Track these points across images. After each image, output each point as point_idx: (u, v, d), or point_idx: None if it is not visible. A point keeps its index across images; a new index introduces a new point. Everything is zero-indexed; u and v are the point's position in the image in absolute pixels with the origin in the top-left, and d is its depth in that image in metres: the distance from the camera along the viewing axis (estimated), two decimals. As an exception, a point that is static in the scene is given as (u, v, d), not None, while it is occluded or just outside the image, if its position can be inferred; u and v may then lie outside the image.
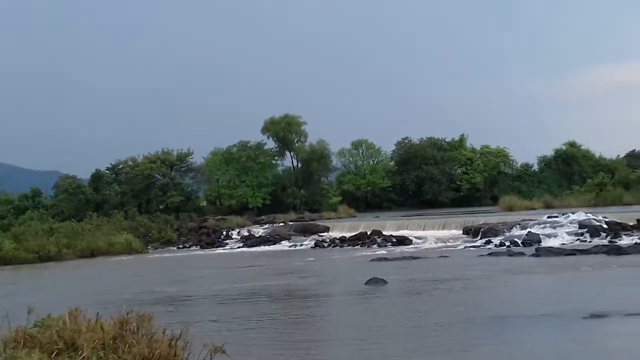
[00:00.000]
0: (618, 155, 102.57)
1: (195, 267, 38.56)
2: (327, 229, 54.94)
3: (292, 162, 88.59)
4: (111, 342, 10.43)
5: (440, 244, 43.56)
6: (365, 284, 25.91)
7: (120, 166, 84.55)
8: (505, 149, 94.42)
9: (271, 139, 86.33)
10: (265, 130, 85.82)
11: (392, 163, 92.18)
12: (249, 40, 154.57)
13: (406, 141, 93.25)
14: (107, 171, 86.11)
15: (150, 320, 10.86)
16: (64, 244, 50.41)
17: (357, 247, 46.00)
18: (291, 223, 60.17)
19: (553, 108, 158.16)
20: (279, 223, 61.53)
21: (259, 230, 57.78)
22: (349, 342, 16.43)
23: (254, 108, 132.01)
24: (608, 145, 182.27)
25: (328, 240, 49.74)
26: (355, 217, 68.73)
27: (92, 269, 42.57)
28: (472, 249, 40.26)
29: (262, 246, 50.70)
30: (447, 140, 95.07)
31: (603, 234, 41.16)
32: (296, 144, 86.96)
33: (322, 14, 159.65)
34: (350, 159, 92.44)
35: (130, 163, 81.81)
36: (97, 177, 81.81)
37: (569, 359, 13.89)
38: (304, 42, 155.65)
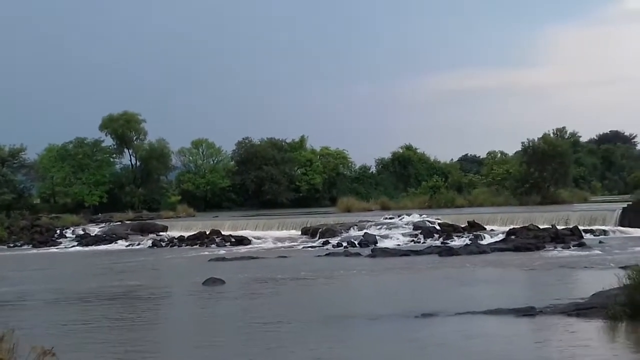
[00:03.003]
0: (452, 159, 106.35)
1: (26, 267, 37.11)
2: (165, 229, 54.19)
3: (131, 160, 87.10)
4: None
5: (279, 244, 43.76)
6: (203, 284, 25.70)
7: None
8: (344, 151, 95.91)
9: (109, 136, 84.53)
10: (103, 127, 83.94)
11: (233, 163, 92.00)
12: (89, 33, 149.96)
13: (246, 141, 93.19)
14: None
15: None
16: None
17: (195, 246, 45.62)
18: (128, 222, 58.99)
19: (391, 113, 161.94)
20: (116, 222, 60.22)
21: (95, 229, 56.26)
22: (184, 344, 16.22)
23: (92, 104, 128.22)
24: (442, 150, 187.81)
25: (166, 239, 49.08)
26: (194, 216, 68.17)
27: None
28: (310, 249, 40.65)
29: (97, 245, 49.46)
30: (287, 141, 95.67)
31: (436, 235, 42.43)
32: (135, 142, 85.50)
33: (157, 10, 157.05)
34: (191, 158, 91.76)
35: (-42, 158, 78.18)
36: None
37: (396, 357, 14.20)
38: (145, 39, 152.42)
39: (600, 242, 37.18)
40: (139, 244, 48.78)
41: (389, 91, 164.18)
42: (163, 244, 47.85)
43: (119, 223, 58.89)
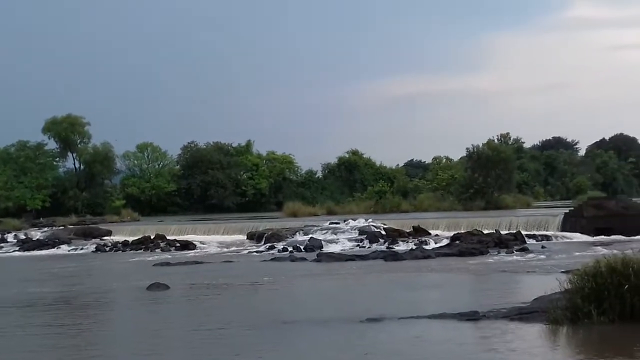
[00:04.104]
0: (397, 164, 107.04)
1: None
2: (109, 233, 53.69)
3: (75, 164, 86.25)
4: None
5: (224, 249, 43.57)
6: (147, 289, 25.43)
7: None
8: (290, 156, 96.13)
9: (52, 139, 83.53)
10: (47, 130, 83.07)
11: (178, 167, 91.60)
12: (29, 34, 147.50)
13: (192, 145, 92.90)
14: None
15: None
16: None
17: (140, 251, 45.14)
18: (72, 226, 58.32)
19: (337, 117, 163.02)
20: (59, 226, 59.47)
21: (37, 234, 55.42)
22: (126, 351, 16.05)
23: (35, 107, 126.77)
24: (388, 155, 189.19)
25: (110, 244, 48.51)
26: (139, 220, 67.68)
27: None
28: (255, 254, 40.53)
29: (39, 250, 48.57)
30: (233, 145, 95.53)
31: (381, 240, 42.58)
32: (79, 145, 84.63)
33: (102, 9, 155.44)
34: (136, 162, 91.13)
35: None
36: None
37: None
38: (88, 40, 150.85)
39: (542, 247, 37.66)
40: (82, 249, 48.12)
41: (335, 96, 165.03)
42: (107, 248, 47.28)
43: (62, 227, 58.17)
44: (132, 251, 45.51)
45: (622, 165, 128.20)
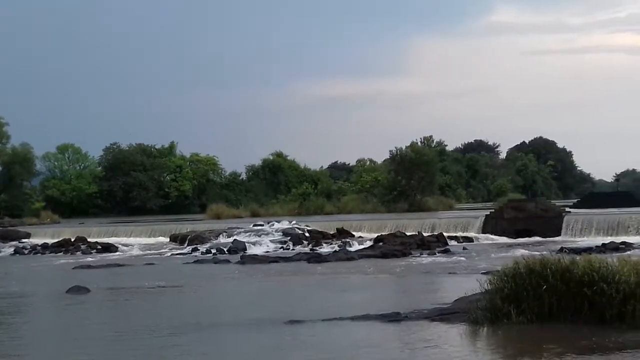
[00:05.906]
0: (322, 167, 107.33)
1: None
2: (28, 235, 52.58)
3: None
4: None
5: (146, 252, 43.12)
6: (67, 292, 25.00)
7: None
8: (214, 158, 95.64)
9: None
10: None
11: (100, 169, 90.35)
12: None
13: (115, 147, 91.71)
14: None
15: None
16: None
17: (60, 254, 44.30)
18: (-11, 229, 56.94)
19: (262, 119, 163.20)
20: (-24, 229, 58.00)
21: (-48, 237, 53.98)
22: (45, 355, 15.73)
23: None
24: (312, 157, 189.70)
25: (29, 247, 47.52)
26: (59, 223, 66.51)
27: None
28: (178, 256, 40.22)
29: (-45, 253, 47.40)
30: (156, 147, 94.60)
31: (305, 242, 42.68)
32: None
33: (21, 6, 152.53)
34: (56, 163, 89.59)
35: None
36: None
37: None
38: (6, 41, 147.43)
39: (464, 248, 38.18)
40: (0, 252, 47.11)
41: (260, 98, 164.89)
42: (26, 251, 46.33)
43: (-21, 230, 56.76)
44: (51, 254, 44.65)
45: (541, 168, 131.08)
